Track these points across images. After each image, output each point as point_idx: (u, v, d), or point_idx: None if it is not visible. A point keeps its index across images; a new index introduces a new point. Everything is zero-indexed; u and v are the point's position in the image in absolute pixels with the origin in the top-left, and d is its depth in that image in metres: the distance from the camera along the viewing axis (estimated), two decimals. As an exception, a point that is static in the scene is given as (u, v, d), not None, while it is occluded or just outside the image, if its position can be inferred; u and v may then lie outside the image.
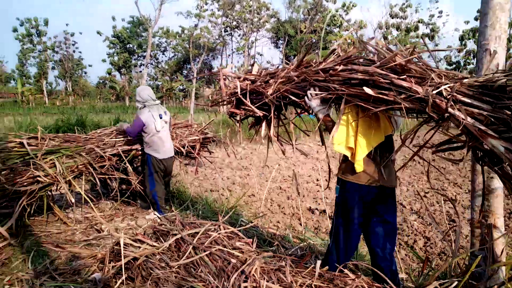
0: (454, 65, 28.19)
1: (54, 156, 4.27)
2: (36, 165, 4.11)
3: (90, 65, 66.25)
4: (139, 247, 3.08)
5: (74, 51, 47.81)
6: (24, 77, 43.92)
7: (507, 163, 1.74)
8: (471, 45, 26.15)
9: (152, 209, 5.07)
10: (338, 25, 37.67)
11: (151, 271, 2.74)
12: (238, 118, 3.05)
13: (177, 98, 42.85)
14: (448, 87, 1.86)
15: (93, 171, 4.42)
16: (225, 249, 3.02)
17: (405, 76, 1.99)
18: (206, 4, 35.40)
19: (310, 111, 2.51)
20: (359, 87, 2.14)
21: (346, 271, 2.53)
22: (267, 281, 2.40)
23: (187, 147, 5.32)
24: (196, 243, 3.05)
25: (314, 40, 35.23)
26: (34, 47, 44.19)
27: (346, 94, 2.21)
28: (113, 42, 45.60)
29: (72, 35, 46.49)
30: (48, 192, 4.35)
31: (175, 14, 56.71)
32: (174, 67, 45.62)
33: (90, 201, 4.31)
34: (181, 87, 40.23)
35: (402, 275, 3.15)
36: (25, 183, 4.00)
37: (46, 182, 4.06)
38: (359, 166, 2.37)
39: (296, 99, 2.55)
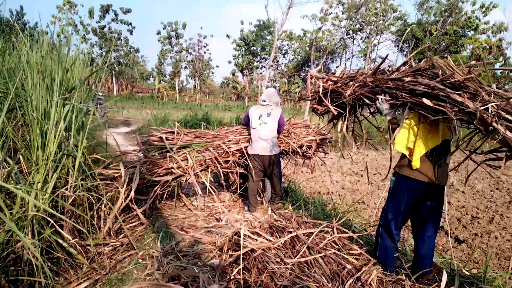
0: None
1: (186, 150, 4.66)
2: (171, 157, 4.54)
3: (217, 66, 70.96)
4: (256, 240, 3.21)
5: (204, 53, 51.67)
6: (161, 75, 49.00)
7: None
8: None
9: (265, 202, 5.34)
10: (473, 27, 34.11)
11: (267, 265, 2.82)
12: (319, 112, 3.43)
13: (293, 100, 43.37)
14: (495, 104, 2.12)
15: (218, 165, 4.73)
16: (339, 253, 2.99)
17: (460, 92, 2.27)
18: (331, 7, 35.20)
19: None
20: (421, 97, 2.45)
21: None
22: (384, 293, 2.32)
23: (305, 147, 5.40)
24: (310, 243, 3.09)
25: (444, 44, 32.48)
26: (172, 48, 48.89)
27: (410, 102, 2.56)
28: (239, 45, 48.02)
29: (205, 37, 50.36)
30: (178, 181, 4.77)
31: (301, 17, 57.67)
32: (293, 69, 46.35)
33: (213, 193, 4.63)
34: (297, 89, 40.66)
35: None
36: (161, 174, 4.44)
37: (178, 173, 4.46)
38: (415, 164, 2.69)
39: (369, 102, 2.92)
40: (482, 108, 2.12)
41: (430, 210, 2.85)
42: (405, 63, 2.86)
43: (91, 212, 3.50)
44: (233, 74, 50.37)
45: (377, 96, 2.81)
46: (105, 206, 3.62)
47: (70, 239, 3.02)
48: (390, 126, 2.84)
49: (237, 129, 5.29)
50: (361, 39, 41.76)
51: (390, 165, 3.04)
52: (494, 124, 2.07)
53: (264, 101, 4.99)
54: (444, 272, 2.44)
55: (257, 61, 50.18)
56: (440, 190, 2.81)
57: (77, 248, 3.05)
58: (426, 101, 2.37)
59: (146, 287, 2.76)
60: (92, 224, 3.50)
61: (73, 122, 3.41)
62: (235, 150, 4.95)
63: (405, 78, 2.62)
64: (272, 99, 4.99)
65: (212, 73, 57.83)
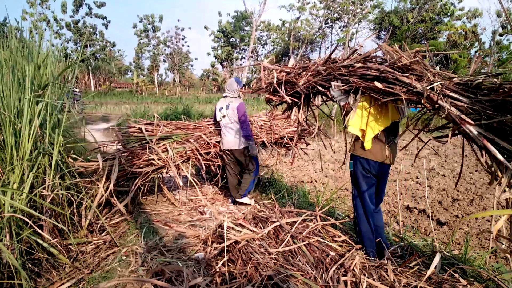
0: None
1: (166, 142, 4.61)
2: (151, 149, 4.49)
3: (196, 58, 69.95)
4: (240, 231, 3.21)
5: (183, 45, 50.98)
6: (139, 69, 48.18)
7: (479, 143, 2.10)
8: None
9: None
10: (449, 14, 34.61)
11: (251, 256, 2.82)
12: (273, 103, 3.53)
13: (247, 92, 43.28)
14: (440, 84, 2.30)
15: (200, 157, 4.70)
16: (323, 240, 3.02)
17: (408, 74, 2.46)
18: (309, -4, 35.23)
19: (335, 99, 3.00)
20: (372, 81, 2.60)
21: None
22: (368, 277, 2.35)
23: (286, 138, 5.41)
24: (294, 232, 3.11)
25: (421, 31, 32.85)
26: (149, 42, 47.96)
27: (362, 87, 2.67)
28: (217, 36, 47.48)
29: (182, 30, 49.63)
30: (159, 174, 4.73)
31: (278, 7, 57.57)
32: (273, 60, 46.14)
33: (195, 185, 4.61)
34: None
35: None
36: (141, 165, 4.39)
37: (158, 165, 4.41)
38: (367, 145, 2.90)
39: (323, 89, 3.04)
40: (428, 87, 2.31)
41: (380, 187, 3.14)
42: (354, 51, 3.02)
43: (71, 208, 3.43)
44: (213, 66, 49.92)
45: (330, 83, 2.94)
46: (85, 202, 3.55)
47: (50, 239, 2.96)
48: (344, 111, 2.95)
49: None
50: (339, 28, 41.92)
51: (346, 149, 3.18)
52: (439, 101, 2.24)
53: (224, 91, 4.88)
54: (438, 254, 2.49)
55: (236, 53, 49.78)
56: (388, 169, 3.10)
57: (58, 247, 2.99)
58: (377, 84, 2.52)
59: (124, 283, 2.73)
60: (73, 223, 3.44)
61: (48, 120, 3.32)
62: (216, 141, 4.91)
63: (356, 64, 2.78)
64: (232, 88, 4.83)
65: (192, 65, 57.34)
